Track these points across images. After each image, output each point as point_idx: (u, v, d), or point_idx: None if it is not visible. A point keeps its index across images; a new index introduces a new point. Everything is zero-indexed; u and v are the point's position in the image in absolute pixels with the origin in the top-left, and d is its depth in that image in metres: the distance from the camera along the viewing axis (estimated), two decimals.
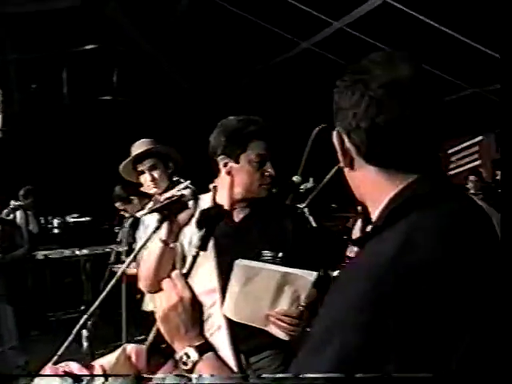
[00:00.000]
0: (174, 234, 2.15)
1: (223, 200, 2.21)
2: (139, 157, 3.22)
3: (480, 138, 9.11)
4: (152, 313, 3.52)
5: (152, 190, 3.24)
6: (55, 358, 2.22)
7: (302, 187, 3.14)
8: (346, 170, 1.11)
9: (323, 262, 2.23)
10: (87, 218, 7.83)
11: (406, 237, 0.94)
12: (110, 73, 8.91)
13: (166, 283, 1.36)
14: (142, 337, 4.61)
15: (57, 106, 9.04)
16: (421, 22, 6.45)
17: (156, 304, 1.54)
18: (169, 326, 1.34)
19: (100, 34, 8.46)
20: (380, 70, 1.05)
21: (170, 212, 2.17)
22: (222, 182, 2.23)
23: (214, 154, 2.21)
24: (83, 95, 9.01)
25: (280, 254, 2.08)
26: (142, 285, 2.27)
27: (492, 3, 4.95)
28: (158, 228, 2.25)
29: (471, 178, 7.55)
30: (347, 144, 1.08)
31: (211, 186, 2.34)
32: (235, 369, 2.04)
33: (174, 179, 3.14)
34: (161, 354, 1.61)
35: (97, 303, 2.33)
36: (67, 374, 1.84)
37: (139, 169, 3.24)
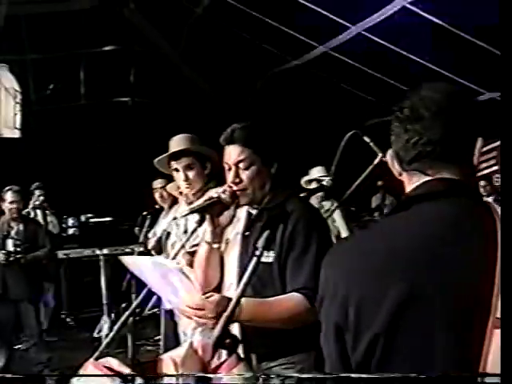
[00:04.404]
0: (218, 235, 2.21)
1: None
2: (175, 154, 3.09)
3: (498, 143, 9.09)
4: (171, 310, 3.57)
5: (185, 190, 3.10)
6: (96, 353, 2.28)
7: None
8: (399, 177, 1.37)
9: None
10: (107, 219, 7.89)
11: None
12: (127, 74, 8.98)
13: None
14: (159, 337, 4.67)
15: (74, 106, 9.12)
16: (439, 27, 6.47)
17: None
18: None
19: (118, 35, 8.52)
20: (410, 95, 1.31)
21: (211, 213, 2.23)
22: None
23: None
24: (100, 96, 9.09)
25: (271, 253, 2.10)
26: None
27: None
28: (197, 227, 2.32)
29: (481, 183, 7.78)
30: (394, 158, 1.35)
31: None
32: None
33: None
34: (225, 348, 1.66)
35: (137, 301, 2.40)
36: (116, 374, 1.88)
37: (174, 166, 3.09)
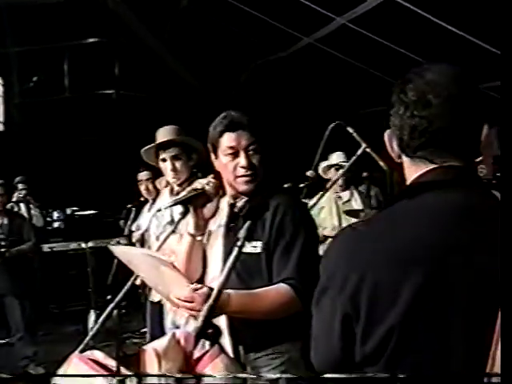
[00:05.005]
0: (201, 227, 2.21)
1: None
2: (163, 144, 3.17)
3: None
4: (159, 303, 3.58)
5: (171, 180, 3.19)
6: (81, 346, 2.28)
7: (301, 185, 3.21)
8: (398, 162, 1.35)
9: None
10: (91, 211, 7.85)
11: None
12: (111, 66, 8.92)
13: None
14: (146, 329, 4.67)
15: (58, 99, 9.05)
16: (423, 18, 6.49)
17: None
18: None
19: (102, 27, 8.47)
20: (413, 77, 1.27)
21: (194, 205, 2.23)
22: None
23: None
24: (84, 88, 9.02)
25: (259, 244, 2.09)
26: None
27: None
28: (181, 219, 2.32)
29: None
30: (394, 140, 1.32)
31: None
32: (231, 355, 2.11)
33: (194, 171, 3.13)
34: (208, 338, 1.66)
35: (121, 294, 2.39)
36: (111, 374, 1.88)
37: (161, 156, 3.17)
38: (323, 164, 4.53)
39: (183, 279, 2.02)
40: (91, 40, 8.67)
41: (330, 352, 1.29)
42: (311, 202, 3.73)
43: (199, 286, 1.97)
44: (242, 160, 2.12)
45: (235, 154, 2.13)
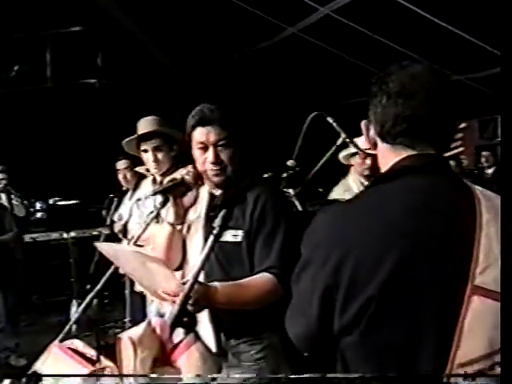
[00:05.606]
0: (181, 216, 2.22)
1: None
2: (144, 135, 3.19)
3: (463, 125, 9.28)
4: (142, 293, 3.58)
5: (153, 171, 3.22)
6: (61, 335, 2.28)
7: (284, 174, 3.21)
8: (373, 151, 1.44)
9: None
10: (74, 201, 7.81)
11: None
12: (94, 56, 8.84)
13: None
14: (129, 319, 4.67)
15: (40, 88, 8.95)
16: (406, 9, 6.51)
17: None
18: None
19: (85, 15, 8.37)
20: (395, 70, 1.37)
21: (174, 195, 2.24)
22: None
23: None
24: (67, 78, 8.93)
25: (240, 233, 2.14)
26: None
27: None
28: (161, 209, 2.33)
29: (450, 163, 7.87)
30: (370, 130, 1.41)
31: None
32: (214, 346, 2.14)
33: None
34: (183, 326, 1.68)
35: (101, 284, 2.39)
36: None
37: (143, 147, 3.20)
38: (344, 152, 4.46)
39: (171, 274, 2.04)
40: (74, 29, 8.58)
41: (308, 324, 1.35)
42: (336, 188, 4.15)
43: (186, 280, 2.00)
44: (209, 155, 2.18)
45: (205, 149, 2.19)
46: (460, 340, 1.19)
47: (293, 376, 1.13)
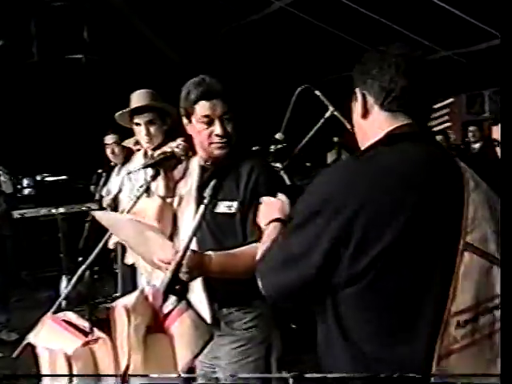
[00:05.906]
0: (171, 189, 2.25)
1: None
2: (138, 109, 3.17)
3: (450, 100, 9.34)
4: (132, 266, 3.60)
5: (145, 145, 3.21)
6: (53, 308, 2.30)
7: (271, 148, 3.23)
8: (359, 120, 1.50)
9: None
10: (62, 177, 7.78)
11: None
12: (80, 30, 8.74)
13: None
14: (119, 294, 4.70)
15: (26, 63, 8.85)
16: None
17: None
18: None
19: None
20: (394, 49, 1.47)
21: (164, 168, 2.26)
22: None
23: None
24: (53, 53, 8.83)
25: (234, 204, 2.16)
26: None
27: None
28: (151, 182, 2.34)
29: (438, 138, 7.93)
30: (368, 99, 1.47)
31: None
32: (208, 316, 2.17)
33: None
34: (175, 294, 1.71)
35: (92, 257, 2.41)
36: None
37: (135, 121, 3.17)
38: None
39: (168, 243, 2.06)
40: (58, 3, 8.46)
41: (306, 270, 1.37)
42: None
43: (180, 249, 2.02)
44: (217, 128, 2.17)
45: (210, 123, 2.17)
46: (455, 291, 1.29)
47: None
